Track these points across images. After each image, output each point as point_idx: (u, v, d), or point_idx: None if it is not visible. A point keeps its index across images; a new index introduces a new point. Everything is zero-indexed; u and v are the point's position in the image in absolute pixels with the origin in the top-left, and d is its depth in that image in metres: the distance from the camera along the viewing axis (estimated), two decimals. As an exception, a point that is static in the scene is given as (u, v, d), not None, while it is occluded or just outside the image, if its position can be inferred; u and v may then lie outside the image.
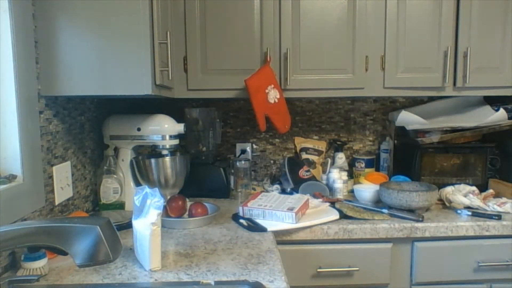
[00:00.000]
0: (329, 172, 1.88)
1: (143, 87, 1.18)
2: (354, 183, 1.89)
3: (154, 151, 1.60)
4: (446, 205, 1.66)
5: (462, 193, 1.64)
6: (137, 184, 1.59)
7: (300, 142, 2.07)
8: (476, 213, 1.54)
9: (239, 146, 2.06)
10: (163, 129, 1.52)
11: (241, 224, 1.42)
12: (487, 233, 1.48)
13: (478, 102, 1.93)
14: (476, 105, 1.91)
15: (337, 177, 1.81)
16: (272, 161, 2.10)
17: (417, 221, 1.47)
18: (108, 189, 1.54)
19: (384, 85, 1.71)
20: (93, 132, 1.59)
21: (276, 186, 1.93)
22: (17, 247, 0.71)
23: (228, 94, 1.69)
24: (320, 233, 1.45)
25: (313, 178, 1.84)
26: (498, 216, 1.49)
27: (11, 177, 1.06)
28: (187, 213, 1.48)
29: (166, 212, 1.43)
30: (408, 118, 1.85)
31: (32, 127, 1.12)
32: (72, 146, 1.40)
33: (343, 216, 1.51)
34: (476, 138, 1.93)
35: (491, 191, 1.70)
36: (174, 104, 2.01)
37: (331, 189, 1.80)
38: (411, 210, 1.53)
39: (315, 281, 1.48)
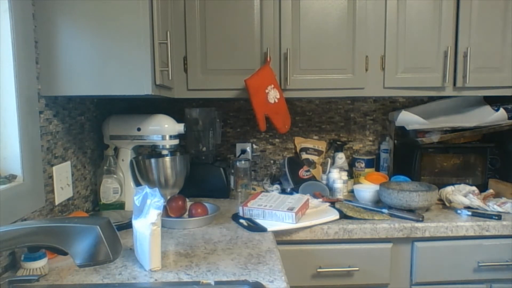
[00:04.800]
0: (329, 172, 1.88)
1: (143, 87, 1.18)
2: (354, 183, 1.89)
3: (154, 151, 1.60)
4: (446, 205, 1.66)
5: (462, 193, 1.64)
6: (137, 184, 1.59)
7: (300, 142, 2.07)
8: (476, 213, 1.54)
9: (239, 146, 2.06)
10: (163, 129, 1.52)
11: (241, 224, 1.42)
12: (487, 233, 1.48)
13: (478, 102, 1.93)
14: (476, 105, 1.92)
15: (337, 177, 1.81)
16: (272, 161, 2.10)
17: (417, 221, 1.47)
18: (108, 189, 1.54)
19: (384, 85, 1.71)
20: (93, 132, 1.59)
21: (276, 186, 1.93)
22: (17, 247, 0.71)
23: (228, 94, 1.69)
24: (320, 233, 1.45)
25: (313, 178, 1.84)
26: (498, 216, 1.49)
27: (11, 177, 1.06)
28: (187, 213, 1.48)
29: (166, 212, 1.43)
30: (408, 118, 1.85)
31: (32, 127, 1.12)
32: (72, 146, 1.40)
33: (343, 216, 1.51)
34: (476, 138, 1.93)
35: (491, 191, 1.70)
36: (174, 104, 2.01)
37: (331, 189, 1.80)
38: (411, 210, 1.53)
39: (315, 281, 1.48)
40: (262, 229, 1.37)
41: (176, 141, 1.56)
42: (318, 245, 1.47)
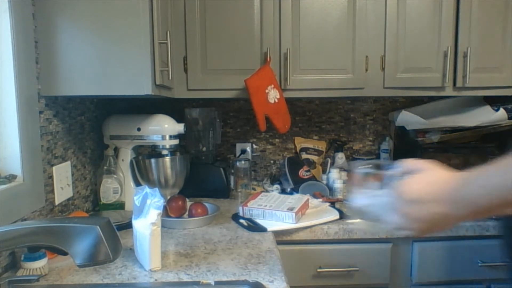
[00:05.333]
0: (329, 172, 1.88)
1: (143, 87, 1.18)
2: (354, 183, 1.88)
3: (154, 151, 1.60)
4: (446, 205, 1.66)
5: (462, 193, 1.64)
6: (137, 184, 1.59)
7: (300, 142, 2.07)
8: (476, 213, 1.54)
9: (239, 146, 2.06)
10: (163, 129, 1.52)
11: (241, 224, 1.42)
12: (487, 233, 1.48)
13: (478, 102, 1.93)
14: (476, 105, 1.91)
15: (337, 177, 1.81)
16: (272, 161, 2.10)
17: (417, 221, 1.47)
18: (108, 189, 1.54)
19: (384, 85, 1.71)
20: (93, 132, 1.59)
21: (276, 186, 1.92)
22: (17, 247, 0.71)
23: (228, 94, 1.69)
24: (320, 233, 1.45)
25: (313, 178, 1.84)
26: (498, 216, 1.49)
27: (11, 177, 1.06)
28: (187, 213, 1.48)
29: (166, 212, 1.43)
30: (408, 118, 1.85)
31: (32, 127, 1.12)
32: (72, 146, 1.40)
33: (343, 216, 1.51)
34: (476, 138, 1.92)
35: (491, 191, 1.69)
36: (174, 104, 2.01)
37: (331, 189, 1.80)
38: (411, 210, 1.53)
39: (315, 281, 1.48)
40: (262, 229, 1.37)
41: (176, 141, 1.56)
42: (318, 245, 1.47)
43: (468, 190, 0.61)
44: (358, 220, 0.76)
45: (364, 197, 0.74)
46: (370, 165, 0.79)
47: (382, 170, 0.74)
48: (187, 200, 1.52)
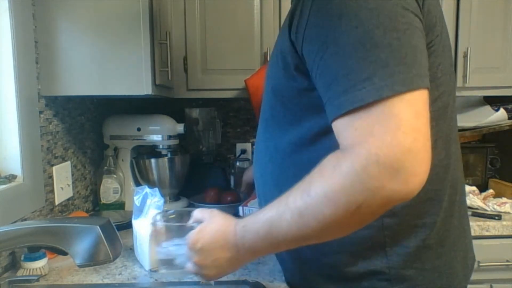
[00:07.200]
0: (329, 172, 1.88)
1: (143, 87, 1.18)
2: (354, 183, 1.88)
3: (154, 151, 1.60)
4: (446, 205, 1.66)
5: (462, 193, 1.64)
6: (137, 184, 1.59)
7: (300, 142, 2.07)
8: (476, 213, 1.54)
9: (239, 146, 2.05)
10: (163, 129, 1.52)
11: (241, 224, 1.42)
12: (487, 233, 1.47)
13: (478, 102, 1.93)
14: (476, 105, 1.91)
15: (337, 177, 1.81)
16: (272, 161, 2.10)
17: (417, 221, 1.47)
18: (108, 189, 1.54)
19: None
20: (93, 132, 1.59)
21: (276, 186, 1.92)
22: (17, 247, 0.71)
23: (228, 94, 1.69)
24: (320, 233, 1.44)
25: (313, 178, 1.84)
26: (498, 216, 1.49)
27: (11, 177, 1.06)
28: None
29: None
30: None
31: (32, 127, 1.12)
32: (72, 146, 1.40)
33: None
34: (476, 138, 1.92)
35: (491, 191, 1.69)
36: (174, 104, 2.01)
37: (331, 189, 1.79)
38: (411, 210, 1.53)
39: (315, 281, 1.47)
40: (262, 229, 1.36)
41: (176, 141, 1.56)
42: (318, 245, 1.46)
43: (246, 237, 0.68)
44: (164, 271, 0.89)
45: (164, 250, 0.80)
46: (174, 215, 0.87)
47: (183, 220, 0.81)
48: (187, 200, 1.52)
